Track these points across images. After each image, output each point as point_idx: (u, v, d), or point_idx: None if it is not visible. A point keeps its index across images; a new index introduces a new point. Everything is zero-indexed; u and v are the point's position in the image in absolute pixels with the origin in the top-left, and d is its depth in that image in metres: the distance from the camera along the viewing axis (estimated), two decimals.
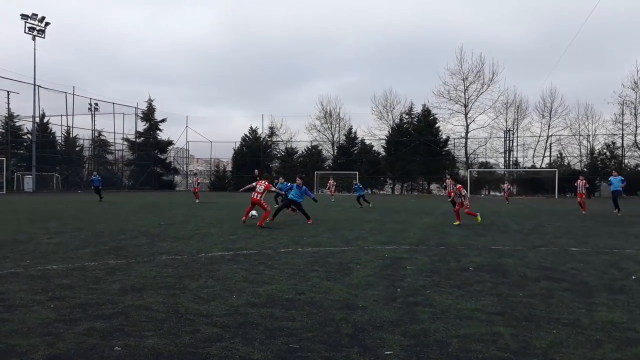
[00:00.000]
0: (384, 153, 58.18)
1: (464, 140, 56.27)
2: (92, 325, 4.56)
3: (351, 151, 59.32)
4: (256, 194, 14.42)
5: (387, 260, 8.37)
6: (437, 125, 56.69)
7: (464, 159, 56.08)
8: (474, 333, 4.45)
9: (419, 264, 8.04)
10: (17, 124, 51.19)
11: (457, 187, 15.47)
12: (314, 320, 4.83)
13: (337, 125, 61.93)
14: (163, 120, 63.47)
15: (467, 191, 15.85)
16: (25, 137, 51.95)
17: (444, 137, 56.51)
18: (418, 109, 57.90)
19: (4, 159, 44.90)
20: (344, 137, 60.82)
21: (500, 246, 10.39)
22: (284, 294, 5.87)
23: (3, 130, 49.63)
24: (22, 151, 51.23)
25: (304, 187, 15.68)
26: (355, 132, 60.30)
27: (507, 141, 55.28)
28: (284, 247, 9.88)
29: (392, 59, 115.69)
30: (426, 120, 56.34)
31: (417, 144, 54.01)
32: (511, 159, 55.29)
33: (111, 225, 13.91)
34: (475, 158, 56.86)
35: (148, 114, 62.21)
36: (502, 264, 8.21)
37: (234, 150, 63.27)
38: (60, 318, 4.79)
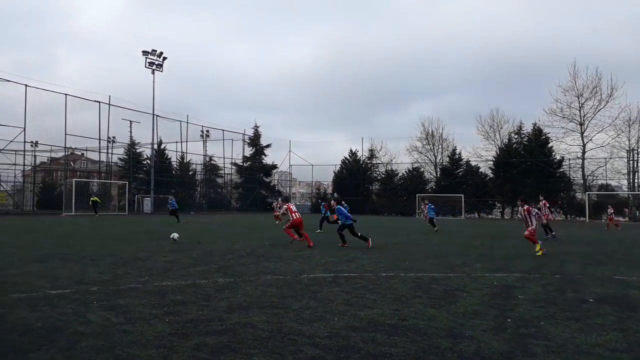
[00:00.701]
0: (491, 175, 55.64)
1: (580, 160, 52.19)
2: (203, 341, 4.78)
3: (455, 173, 57.44)
4: (295, 214, 15.41)
5: (497, 289, 7.92)
6: (549, 145, 53.14)
7: (581, 181, 51.93)
8: None
9: (531, 294, 7.50)
10: (137, 151, 56.14)
11: (524, 208, 13.85)
12: (418, 347, 4.66)
13: (440, 147, 60.37)
14: (268, 146, 66.29)
15: (533, 214, 13.50)
16: (145, 162, 56.71)
17: (558, 157, 52.83)
18: (528, 128, 54.85)
19: (127, 182, 49.32)
20: (447, 159, 59.07)
21: (625, 277, 9.39)
22: (386, 319, 5.75)
23: (126, 157, 54.66)
24: (142, 175, 55.95)
25: (337, 207, 15.47)
26: (459, 153, 58.28)
27: (631, 161, 50.36)
28: (385, 271, 9.74)
29: (496, 77, 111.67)
30: (537, 140, 53.05)
31: (528, 165, 51.00)
32: (636, 180, 50.24)
33: (220, 245, 14.64)
34: (594, 180, 52.39)
35: (254, 140, 65.35)
36: (628, 296, 7.41)
37: (334, 173, 64.08)
38: (174, 332, 5.08)
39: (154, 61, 49.87)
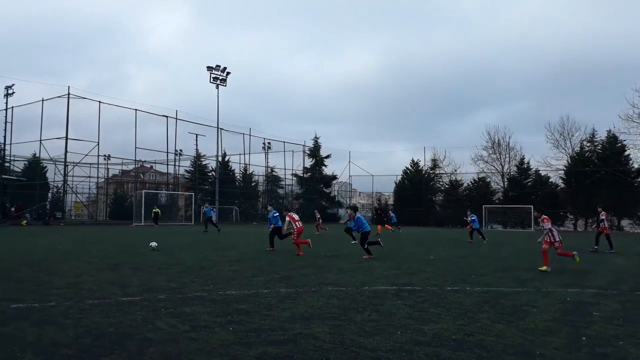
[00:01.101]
0: (562, 185, 52.99)
1: None
2: (265, 350, 4.81)
3: (524, 183, 55.18)
4: (297, 222, 16.17)
5: (570, 305, 7.48)
6: (626, 153, 50.06)
7: None
8: None
9: (608, 311, 7.03)
10: (203, 163, 58.18)
11: (542, 218, 12.58)
12: None
13: (507, 156, 58.21)
14: (328, 157, 66.70)
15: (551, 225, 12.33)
16: (210, 174, 58.67)
17: (636, 166, 49.59)
18: (601, 136, 51.93)
19: (193, 194, 51.08)
20: (515, 168, 56.89)
21: None
22: (451, 334, 5.56)
23: (192, 169, 56.72)
24: (207, 187, 57.86)
25: (356, 215, 15.43)
26: (528, 162, 55.96)
27: None
28: (450, 284, 9.46)
29: (566, 83, 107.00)
30: (612, 148, 50.09)
31: (603, 174, 48.21)
32: None
33: (282, 255, 14.80)
34: None
35: (314, 151, 65.97)
36: None
37: (395, 183, 63.32)
38: (237, 340, 5.15)
39: (218, 76, 51.47)
